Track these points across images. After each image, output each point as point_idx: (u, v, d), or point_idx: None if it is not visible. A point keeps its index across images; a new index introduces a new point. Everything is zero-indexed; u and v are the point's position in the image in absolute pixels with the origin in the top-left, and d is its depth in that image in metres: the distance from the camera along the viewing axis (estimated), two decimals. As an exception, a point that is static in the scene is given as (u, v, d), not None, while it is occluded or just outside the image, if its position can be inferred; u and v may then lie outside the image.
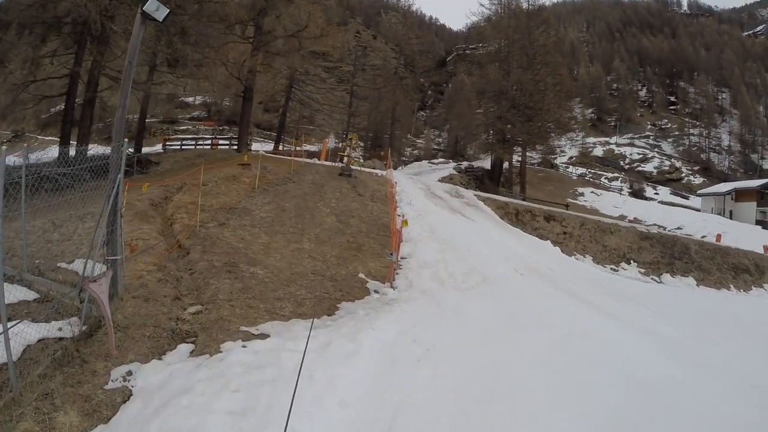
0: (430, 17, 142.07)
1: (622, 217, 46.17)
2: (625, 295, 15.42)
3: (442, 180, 44.16)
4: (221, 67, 28.20)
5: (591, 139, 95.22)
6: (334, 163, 28.68)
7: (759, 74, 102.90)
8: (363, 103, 60.53)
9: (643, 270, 23.42)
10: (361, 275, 11.00)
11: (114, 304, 7.43)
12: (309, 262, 11.23)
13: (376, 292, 10.01)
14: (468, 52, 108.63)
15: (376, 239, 14.51)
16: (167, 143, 38.39)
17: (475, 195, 27.93)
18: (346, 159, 26.07)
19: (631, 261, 23.91)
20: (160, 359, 6.31)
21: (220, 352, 6.45)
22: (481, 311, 9.07)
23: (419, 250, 13.74)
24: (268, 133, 62.85)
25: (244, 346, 6.56)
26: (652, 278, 22.86)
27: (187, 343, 6.97)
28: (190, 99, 79.25)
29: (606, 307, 12.03)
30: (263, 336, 7.03)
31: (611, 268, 22.75)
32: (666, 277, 23.17)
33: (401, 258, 12.90)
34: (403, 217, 14.99)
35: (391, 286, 10.11)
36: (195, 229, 12.15)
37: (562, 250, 21.71)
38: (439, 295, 9.71)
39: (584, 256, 22.95)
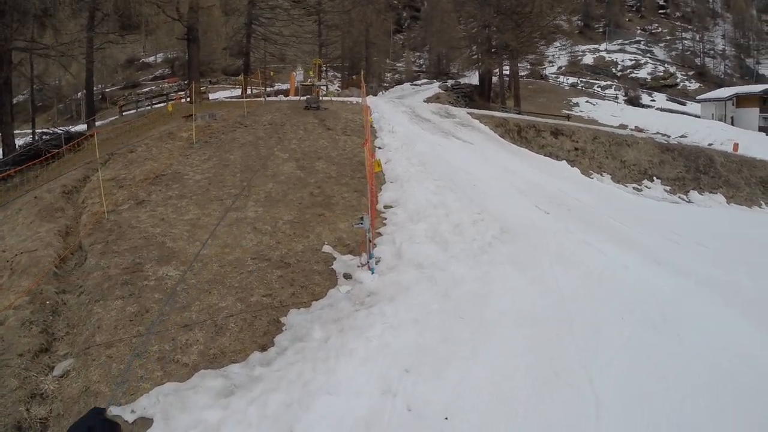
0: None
1: (622, 126, 43.08)
2: (666, 224, 12.39)
3: (428, 100, 39.96)
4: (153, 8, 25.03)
5: (580, 47, 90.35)
6: (301, 97, 24.60)
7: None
8: (334, 31, 54.94)
9: (668, 187, 20.31)
10: (327, 248, 7.55)
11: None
12: (251, 238, 7.75)
13: (346, 278, 6.60)
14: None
15: (350, 185, 10.96)
16: (123, 109, 34.60)
17: (468, 113, 24.01)
18: (312, 89, 22.28)
19: (654, 177, 20.68)
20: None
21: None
22: (513, 301, 5.67)
23: (408, 193, 10.16)
24: (236, 78, 57.91)
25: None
26: (679, 197, 19.89)
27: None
28: (151, 59, 74.38)
29: (663, 254, 8.85)
30: (141, 424, 3.75)
31: (633, 188, 19.59)
32: (694, 194, 20.22)
33: (384, 208, 9.49)
34: (377, 156, 11.36)
35: (368, 266, 6.67)
36: (102, 217, 8.61)
37: (580, 171, 18.41)
38: (443, 273, 6.29)
39: (602, 175, 19.68)
